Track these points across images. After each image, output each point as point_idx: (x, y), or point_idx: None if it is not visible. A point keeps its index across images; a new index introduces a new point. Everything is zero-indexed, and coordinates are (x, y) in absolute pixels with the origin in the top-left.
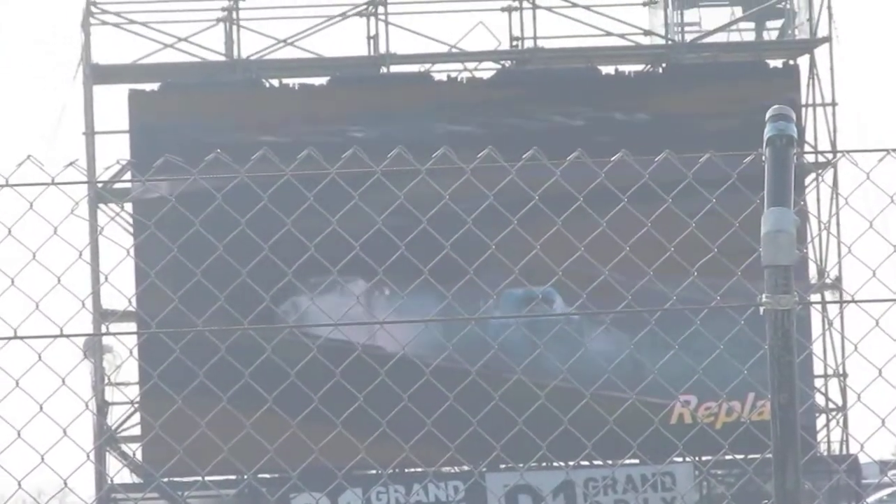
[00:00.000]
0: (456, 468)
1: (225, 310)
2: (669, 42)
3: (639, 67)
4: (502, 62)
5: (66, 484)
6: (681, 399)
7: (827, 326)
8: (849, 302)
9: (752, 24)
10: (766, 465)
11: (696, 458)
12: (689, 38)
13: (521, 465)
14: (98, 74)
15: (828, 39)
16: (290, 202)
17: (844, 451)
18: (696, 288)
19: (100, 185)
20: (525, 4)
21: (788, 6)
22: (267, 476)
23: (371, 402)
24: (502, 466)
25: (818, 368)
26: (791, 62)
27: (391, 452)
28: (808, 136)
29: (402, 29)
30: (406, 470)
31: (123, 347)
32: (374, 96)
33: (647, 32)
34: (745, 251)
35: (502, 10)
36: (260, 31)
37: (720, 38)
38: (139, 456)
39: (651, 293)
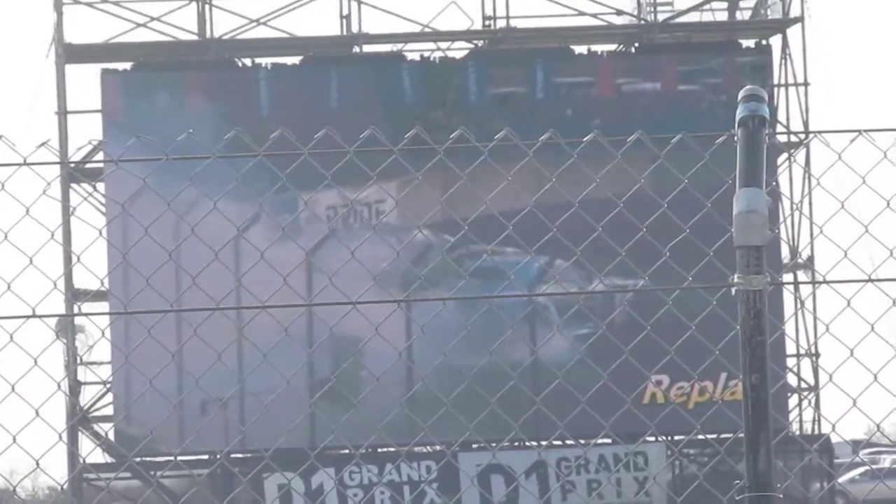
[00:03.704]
0: (429, 448)
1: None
2: (642, 22)
3: (611, 47)
4: (475, 42)
5: (38, 464)
6: (653, 379)
7: (799, 307)
8: (821, 282)
9: (724, 4)
10: (738, 444)
11: (669, 438)
12: (661, 17)
13: (493, 444)
14: (71, 54)
15: (800, 19)
16: (266, 180)
17: (817, 431)
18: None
19: (72, 165)
20: None
21: None
22: (240, 456)
23: (345, 382)
24: (475, 446)
25: (790, 348)
26: (763, 42)
27: (364, 432)
28: (781, 116)
29: (374, 8)
30: (379, 450)
31: (95, 327)
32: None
33: (619, 12)
34: (718, 232)
35: None
36: (232, 11)
37: (693, 17)
38: (111, 436)
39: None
